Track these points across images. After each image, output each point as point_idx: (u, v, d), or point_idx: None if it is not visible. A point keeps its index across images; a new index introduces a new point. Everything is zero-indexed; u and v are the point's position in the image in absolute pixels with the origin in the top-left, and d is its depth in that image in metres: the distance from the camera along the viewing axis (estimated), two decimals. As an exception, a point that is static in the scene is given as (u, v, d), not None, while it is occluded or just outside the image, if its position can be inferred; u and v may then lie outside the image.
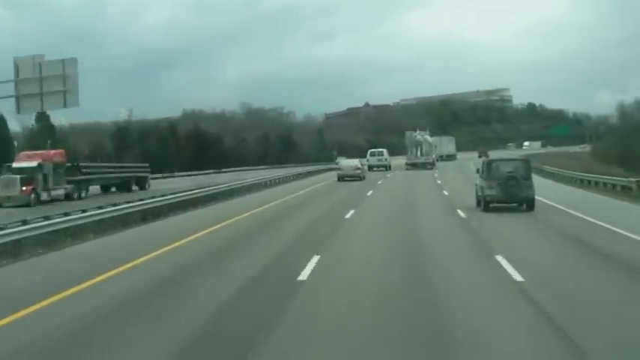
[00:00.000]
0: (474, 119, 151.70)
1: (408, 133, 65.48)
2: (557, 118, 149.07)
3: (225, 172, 67.57)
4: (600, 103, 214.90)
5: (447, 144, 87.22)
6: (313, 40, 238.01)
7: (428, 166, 58.81)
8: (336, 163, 57.14)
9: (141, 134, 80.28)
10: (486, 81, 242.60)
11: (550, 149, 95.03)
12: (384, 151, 62.62)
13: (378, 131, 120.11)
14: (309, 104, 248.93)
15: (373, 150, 63.13)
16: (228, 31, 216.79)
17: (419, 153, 61.57)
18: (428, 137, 65.51)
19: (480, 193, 21.03)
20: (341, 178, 41.81)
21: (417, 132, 64.27)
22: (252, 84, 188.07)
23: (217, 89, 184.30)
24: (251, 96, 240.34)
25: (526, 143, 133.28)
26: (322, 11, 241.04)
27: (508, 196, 19.96)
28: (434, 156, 63.75)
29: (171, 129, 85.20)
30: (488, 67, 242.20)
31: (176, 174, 65.46)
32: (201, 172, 66.47)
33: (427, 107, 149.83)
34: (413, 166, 58.98)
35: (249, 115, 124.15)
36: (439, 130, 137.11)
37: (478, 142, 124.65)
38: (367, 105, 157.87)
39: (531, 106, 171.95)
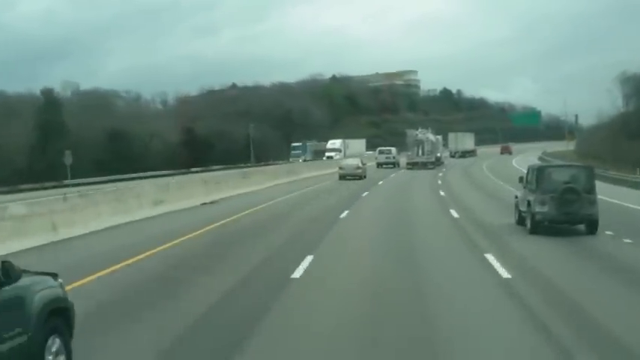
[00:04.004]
0: (379, 106, 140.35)
1: (409, 132, 71.91)
2: (480, 107, 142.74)
3: None
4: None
5: (463, 140, 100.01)
6: (195, 34, 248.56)
7: (429, 165, 66.26)
8: None
9: None
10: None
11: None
12: (393, 149, 74.19)
13: (243, 115, 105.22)
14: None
15: (382, 148, 75.61)
16: (106, 23, 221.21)
17: (420, 152, 68.26)
18: (431, 135, 71.29)
19: (523, 209, 19.72)
20: (342, 177, 49.16)
21: (419, 130, 70.74)
22: (132, 76, 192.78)
23: (95, 81, 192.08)
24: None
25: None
26: (204, 6, 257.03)
27: (565, 214, 18.22)
28: (438, 154, 72.27)
29: None
30: (384, 61, 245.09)
31: None
32: None
33: (315, 88, 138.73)
34: (414, 165, 66.79)
35: (74, 100, 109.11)
36: (333, 118, 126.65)
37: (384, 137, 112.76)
38: (234, 86, 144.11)
39: (447, 92, 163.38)
